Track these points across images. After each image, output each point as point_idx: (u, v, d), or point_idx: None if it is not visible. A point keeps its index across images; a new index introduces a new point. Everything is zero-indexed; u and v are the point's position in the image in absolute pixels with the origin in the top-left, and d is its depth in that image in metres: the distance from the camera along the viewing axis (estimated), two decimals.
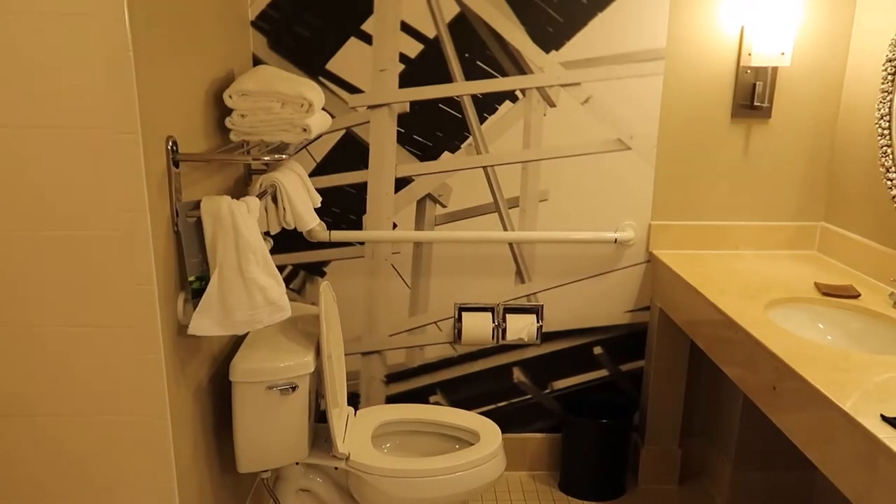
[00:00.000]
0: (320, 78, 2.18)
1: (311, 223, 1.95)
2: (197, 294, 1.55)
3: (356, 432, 2.06)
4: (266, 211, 1.88)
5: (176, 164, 1.49)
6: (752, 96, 2.22)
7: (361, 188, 2.28)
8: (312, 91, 1.80)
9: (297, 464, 1.98)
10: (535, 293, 2.40)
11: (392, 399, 2.49)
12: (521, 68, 2.20)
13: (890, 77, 1.91)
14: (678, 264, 2.20)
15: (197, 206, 1.53)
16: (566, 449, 2.45)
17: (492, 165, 2.28)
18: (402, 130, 2.24)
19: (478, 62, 2.19)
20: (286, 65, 2.16)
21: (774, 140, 2.27)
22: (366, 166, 2.26)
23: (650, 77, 2.20)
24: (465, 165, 2.27)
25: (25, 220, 1.36)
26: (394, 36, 2.16)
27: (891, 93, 1.91)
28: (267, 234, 1.91)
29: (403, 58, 2.18)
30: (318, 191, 2.16)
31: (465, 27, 2.16)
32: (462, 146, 2.26)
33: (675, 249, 2.34)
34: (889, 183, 1.92)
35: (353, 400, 2.48)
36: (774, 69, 2.20)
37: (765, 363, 1.59)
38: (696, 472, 2.56)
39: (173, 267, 1.52)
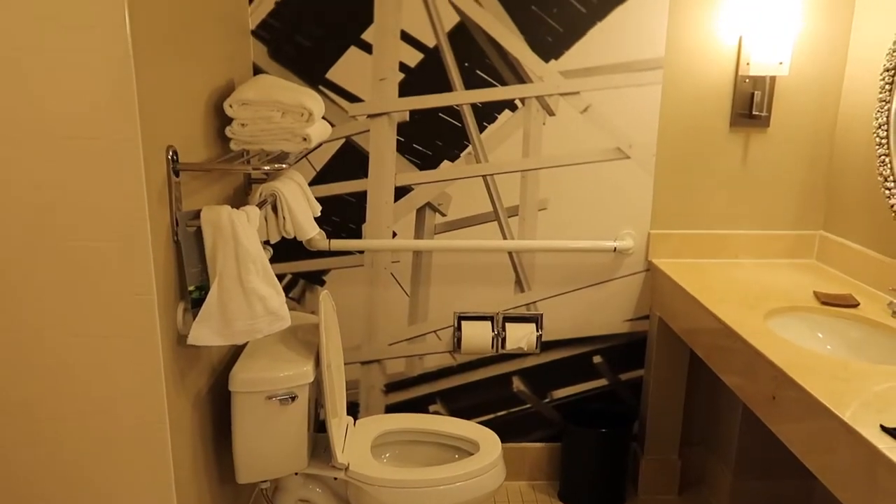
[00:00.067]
0: (320, 87, 2.19)
1: (311, 232, 1.95)
2: (196, 304, 1.55)
3: (356, 442, 2.06)
4: (266, 220, 1.88)
5: (176, 174, 1.50)
6: (750, 105, 2.23)
7: (361, 197, 2.28)
8: (312, 100, 1.80)
9: (296, 474, 1.97)
10: (535, 302, 2.40)
11: (391, 408, 2.48)
12: (520, 77, 2.21)
13: (888, 86, 1.92)
14: (677, 273, 2.20)
15: (197, 215, 1.53)
16: (566, 458, 2.44)
17: (491, 174, 2.28)
18: (402, 139, 2.24)
19: (477, 71, 2.20)
20: (286, 74, 2.17)
21: (773, 149, 2.28)
22: (365, 175, 2.27)
23: (649, 86, 2.21)
24: (464, 174, 2.28)
25: (26, 230, 1.36)
26: (394, 45, 2.17)
27: (889, 102, 1.92)
28: (267, 243, 1.91)
29: (403, 67, 2.19)
30: (318, 199, 2.16)
31: (464, 36, 2.16)
32: (462, 155, 2.26)
33: (674, 258, 2.35)
34: (887, 192, 1.92)
35: (353, 409, 2.47)
36: (773, 78, 2.21)
37: (764, 372, 1.59)
38: (696, 481, 2.56)
39: (173, 276, 1.52)
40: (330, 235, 2.30)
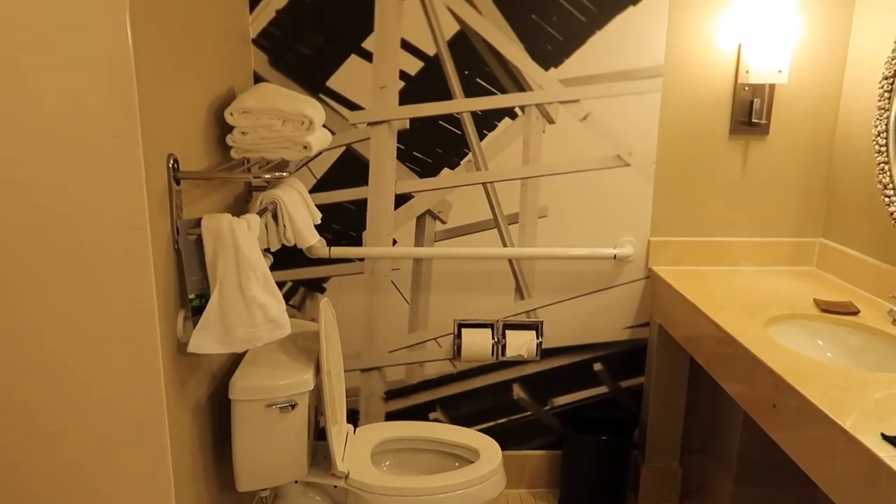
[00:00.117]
0: (321, 95, 2.19)
1: (312, 240, 1.95)
2: (197, 312, 1.55)
3: (355, 450, 2.06)
4: (266, 228, 1.89)
5: (177, 182, 1.50)
6: (749, 113, 2.23)
7: (361, 204, 2.29)
8: (313, 108, 1.81)
9: (296, 482, 1.97)
10: (535, 309, 2.40)
11: (392, 416, 2.48)
12: (520, 85, 2.21)
13: (886, 94, 1.93)
14: (677, 280, 2.20)
15: (197, 223, 1.54)
16: (566, 466, 2.44)
17: (491, 182, 2.29)
18: (402, 147, 2.25)
19: (477, 79, 2.20)
20: (287, 82, 2.18)
21: (772, 156, 2.28)
22: (366, 183, 2.27)
23: (648, 94, 2.22)
24: (464, 182, 2.28)
25: (26, 238, 1.37)
26: (394, 53, 2.17)
27: (888, 110, 1.93)
28: (267, 250, 1.91)
29: (403, 75, 2.19)
30: (319, 207, 2.17)
31: (464, 45, 2.17)
32: (462, 163, 2.27)
33: (674, 265, 2.35)
34: (887, 199, 1.92)
35: (353, 417, 2.47)
36: (772, 86, 2.21)
37: (764, 380, 1.59)
38: (697, 488, 2.55)
39: (173, 284, 1.52)
40: (330, 243, 2.30)
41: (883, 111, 1.94)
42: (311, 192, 2.25)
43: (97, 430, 1.47)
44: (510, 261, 2.36)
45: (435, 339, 2.41)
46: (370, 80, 2.19)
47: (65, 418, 1.46)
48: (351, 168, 2.26)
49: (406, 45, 2.17)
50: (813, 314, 1.91)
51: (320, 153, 2.23)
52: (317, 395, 2.01)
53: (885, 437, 1.24)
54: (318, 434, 2.09)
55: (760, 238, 2.35)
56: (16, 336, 1.41)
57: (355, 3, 2.13)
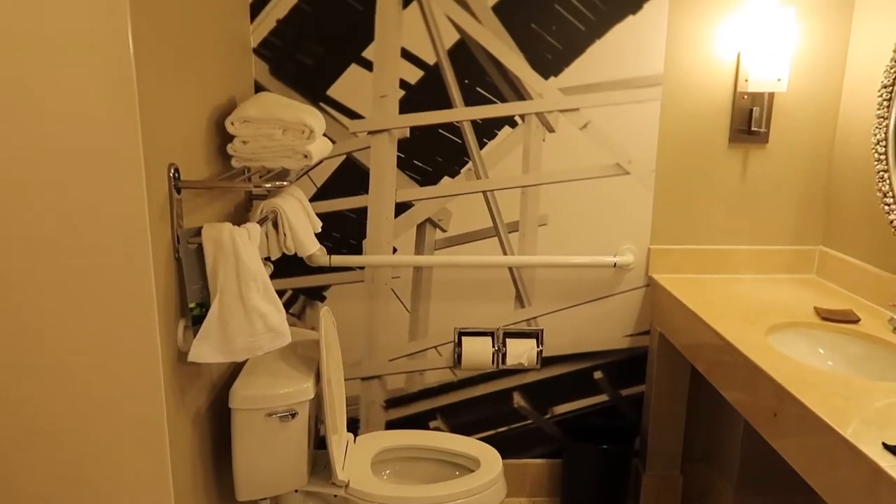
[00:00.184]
0: (321, 104, 2.20)
1: (312, 248, 1.96)
2: (197, 321, 1.55)
3: (356, 459, 2.05)
4: (267, 237, 1.89)
5: (178, 191, 1.50)
6: (749, 121, 2.24)
7: (362, 213, 2.29)
8: (313, 117, 1.81)
9: (296, 491, 1.96)
10: (535, 317, 2.40)
11: (392, 424, 2.48)
12: (520, 94, 2.22)
13: (885, 103, 1.93)
14: (677, 288, 2.20)
15: (198, 232, 1.54)
16: (567, 475, 2.43)
17: (491, 190, 2.29)
18: (403, 155, 2.25)
19: (477, 88, 2.21)
20: (288, 91, 2.18)
21: (772, 165, 2.29)
22: (366, 191, 2.28)
23: (648, 102, 2.22)
24: (464, 190, 2.29)
25: (27, 246, 1.37)
26: (394, 62, 2.18)
27: (887, 118, 1.93)
28: (267, 259, 1.92)
29: (404, 84, 2.20)
30: (319, 215, 2.17)
31: (464, 54, 2.18)
32: (462, 171, 2.27)
33: (674, 273, 2.35)
34: (887, 207, 1.93)
35: (353, 425, 2.47)
36: (771, 94, 2.22)
37: (765, 388, 1.59)
38: (698, 497, 2.54)
39: (173, 293, 1.52)
40: (330, 251, 2.31)
41: (882, 119, 1.94)
42: (311, 200, 2.26)
43: (97, 438, 1.46)
44: (510, 269, 2.36)
45: (435, 347, 2.41)
46: (370, 89, 2.20)
47: (65, 427, 1.46)
48: (351, 176, 2.26)
49: (406, 55, 2.18)
50: (813, 322, 1.91)
51: (321, 162, 2.23)
52: (317, 404, 2.01)
53: (886, 447, 1.24)
54: (319, 443, 2.08)
55: (760, 246, 2.35)
56: (17, 344, 1.41)
57: (356, 13, 2.14)
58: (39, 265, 1.38)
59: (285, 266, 2.30)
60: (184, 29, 1.58)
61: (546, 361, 2.44)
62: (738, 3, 2.16)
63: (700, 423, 2.50)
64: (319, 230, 2.08)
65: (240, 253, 1.53)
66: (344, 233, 2.30)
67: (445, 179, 2.28)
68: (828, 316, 1.92)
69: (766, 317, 1.93)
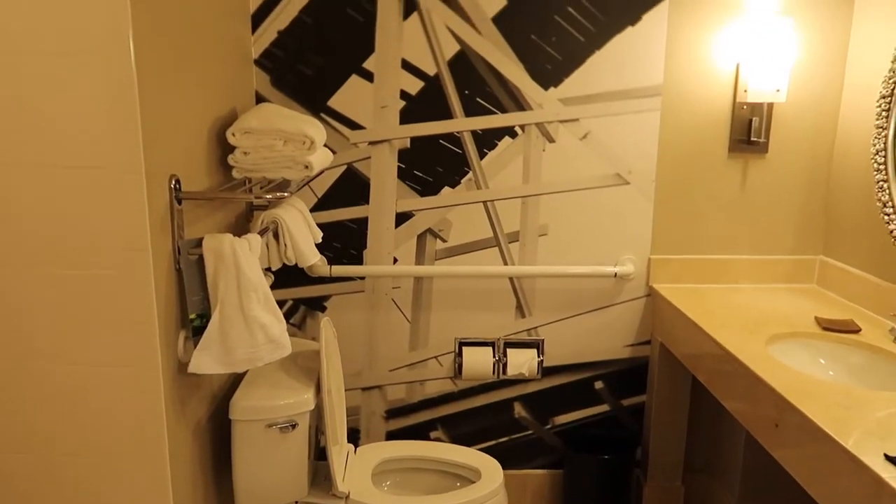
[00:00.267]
0: (322, 115, 2.21)
1: (313, 259, 1.96)
2: (198, 332, 1.55)
3: (356, 470, 2.05)
4: (267, 247, 1.89)
5: (178, 202, 1.51)
6: (748, 131, 2.24)
7: (362, 223, 2.29)
8: (314, 128, 1.82)
9: (296, 503, 1.95)
10: (536, 327, 2.39)
11: (392, 435, 2.47)
12: (520, 105, 2.23)
13: (884, 113, 1.94)
14: (678, 298, 2.20)
15: (199, 243, 1.54)
16: (568, 485, 2.42)
17: (492, 200, 2.29)
18: (403, 166, 2.26)
19: (477, 99, 2.22)
20: (289, 102, 2.19)
21: (772, 174, 2.29)
22: (367, 201, 2.28)
23: (647, 113, 2.23)
24: (465, 200, 2.29)
25: (28, 257, 1.37)
26: (395, 73, 2.19)
27: (886, 128, 1.94)
28: (268, 269, 1.92)
29: (404, 95, 2.21)
30: (320, 226, 2.17)
31: (464, 65, 2.19)
32: (462, 181, 2.28)
33: (674, 283, 2.35)
34: (886, 217, 1.93)
35: (353, 436, 2.46)
36: (770, 105, 2.23)
37: (766, 399, 1.58)
38: None
39: (174, 304, 1.52)
40: (331, 261, 2.31)
41: (881, 129, 1.95)
42: (312, 210, 2.26)
43: (97, 449, 1.46)
44: (511, 279, 2.36)
45: (436, 357, 2.41)
46: (371, 99, 2.20)
47: (65, 437, 1.46)
48: (352, 187, 2.27)
49: (407, 66, 2.19)
50: (814, 332, 1.91)
51: (321, 172, 2.24)
52: (317, 415, 2.00)
53: (888, 458, 1.23)
54: (319, 454, 2.08)
55: (761, 256, 2.35)
56: (18, 354, 1.41)
57: (356, 24, 2.15)
58: (40, 276, 1.38)
59: (286, 276, 2.30)
60: (185, 40, 1.59)
61: (547, 371, 2.44)
62: (737, 13, 2.17)
63: (701, 433, 2.50)
64: (320, 240, 2.08)
65: (240, 264, 1.53)
66: (344, 243, 2.31)
67: (446, 190, 2.28)
68: (829, 326, 1.92)
69: (767, 327, 1.93)
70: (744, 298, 2.21)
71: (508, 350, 2.39)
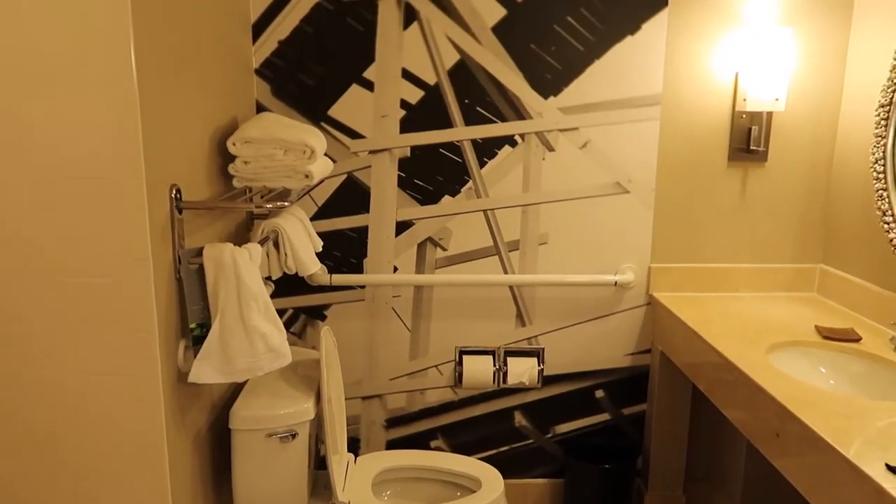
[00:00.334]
0: (322, 124, 2.21)
1: (313, 268, 1.96)
2: (198, 341, 1.55)
3: (356, 479, 2.04)
4: (268, 256, 1.89)
5: (179, 211, 1.51)
6: (748, 140, 2.25)
7: (362, 232, 2.30)
8: (314, 138, 1.82)
9: None
10: (536, 336, 2.39)
11: (392, 444, 2.46)
12: (520, 114, 2.23)
13: (883, 122, 1.94)
14: (678, 307, 2.20)
15: (199, 252, 1.54)
16: (568, 495, 2.42)
17: (492, 209, 2.30)
18: (403, 175, 2.26)
19: (477, 108, 2.23)
20: (289, 111, 2.20)
21: (771, 183, 2.30)
22: (367, 210, 2.28)
23: (647, 122, 2.24)
24: (465, 209, 2.29)
25: (29, 267, 1.37)
26: (395, 83, 2.20)
27: (884, 137, 1.94)
28: (268, 278, 1.92)
29: (404, 104, 2.21)
30: (320, 234, 2.18)
31: (465, 74, 2.20)
32: (462, 190, 2.28)
33: (674, 292, 2.35)
34: (886, 226, 1.93)
35: (354, 445, 2.45)
36: (769, 114, 2.23)
37: (766, 408, 1.58)
38: None
39: (174, 314, 1.52)
40: (331, 270, 2.31)
41: (880, 138, 1.95)
42: (312, 219, 2.27)
43: (97, 458, 1.46)
44: (511, 288, 2.36)
45: (436, 366, 2.41)
46: (371, 108, 2.21)
47: (65, 446, 1.45)
48: (352, 196, 2.27)
49: (407, 75, 2.20)
50: (815, 341, 1.91)
51: (322, 181, 2.24)
52: (317, 424, 2.00)
53: (889, 468, 1.23)
54: (319, 463, 2.07)
55: (761, 264, 2.35)
56: (18, 363, 1.41)
57: (357, 34, 2.16)
58: (40, 284, 1.38)
59: (286, 285, 2.30)
60: (186, 50, 1.60)
61: (547, 380, 2.43)
62: (736, 23, 2.18)
63: (702, 442, 2.49)
64: (320, 249, 2.08)
65: (241, 273, 1.53)
66: (345, 252, 2.31)
67: (446, 198, 2.28)
68: (829, 335, 1.92)
69: (767, 335, 1.93)
70: (744, 307, 2.21)
71: (509, 359, 2.39)
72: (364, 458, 2.16)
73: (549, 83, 2.21)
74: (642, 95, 2.22)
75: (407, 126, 2.23)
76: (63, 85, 1.30)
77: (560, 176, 2.27)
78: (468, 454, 2.44)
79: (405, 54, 2.18)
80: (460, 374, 2.38)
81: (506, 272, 2.34)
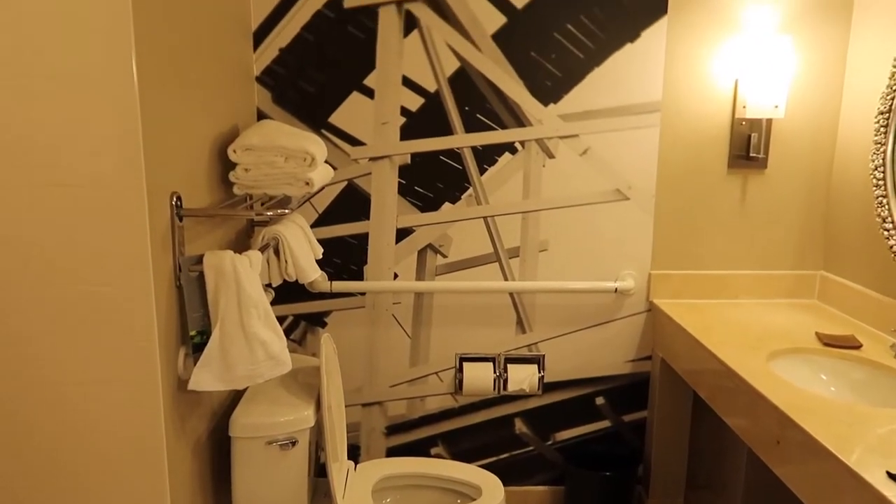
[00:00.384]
0: (323, 131, 2.22)
1: (313, 275, 1.96)
2: (198, 348, 1.55)
3: (356, 487, 2.04)
4: (268, 263, 1.89)
5: (180, 219, 1.51)
6: (747, 147, 2.25)
7: (363, 239, 2.30)
8: (315, 145, 1.83)
9: None
10: (537, 343, 2.39)
11: (393, 451, 2.46)
12: (520, 121, 2.24)
13: (882, 129, 1.95)
14: (678, 314, 2.20)
15: (199, 260, 1.54)
16: (569, 502, 2.41)
17: (492, 216, 2.30)
18: (403, 182, 2.27)
19: (477, 115, 2.23)
20: (290, 119, 2.20)
21: (771, 190, 2.30)
22: (367, 217, 2.29)
23: (647, 129, 2.24)
24: (465, 216, 2.30)
25: (29, 275, 1.37)
26: (395, 90, 2.20)
27: (884, 144, 1.94)
28: (269, 285, 1.92)
29: (405, 111, 2.22)
30: (320, 241, 2.18)
31: (465, 81, 2.20)
32: (462, 197, 2.28)
33: (675, 299, 2.35)
34: (886, 233, 1.93)
35: (354, 452, 2.45)
36: (769, 121, 2.24)
37: (767, 415, 1.58)
38: None
39: (174, 321, 1.52)
40: (331, 277, 2.31)
41: (879, 145, 1.96)
42: (312, 226, 2.27)
43: (97, 465, 1.46)
44: (511, 294, 2.36)
45: (436, 373, 2.40)
46: (372, 116, 2.22)
47: (64, 454, 1.45)
48: (352, 203, 2.27)
49: (407, 82, 2.20)
50: (815, 348, 1.90)
51: (322, 188, 2.24)
52: (317, 431, 2.00)
53: (891, 475, 1.23)
54: (319, 470, 2.07)
55: (761, 271, 2.35)
56: (18, 370, 1.41)
57: (357, 42, 2.17)
58: (41, 292, 1.38)
59: (286, 292, 2.30)
60: (187, 58, 1.60)
61: (548, 387, 2.43)
62: (736, 31, 2.19)
63: (703, 449, 2.48)
64: (321, 256, 2.08)
65: (241, 281, 1.53)
66: (345, 259, 2.31)
67: (446, 205, 2.29)
68: (830, 342, 1.92)
69: (768, 342, 1.93)
70: (744, 314, 2.21)
71: (509, 366, 2.39)
72: (364, 465, 2.16)
73: (549, 90, 2.22)
74: (642, 102, 2.22)
75: (407, 133, 2.23)
76: (64, 92, 1.31)
77: (560, 183, 2.28)
78: (468, 461, 2.44)
79: (405, 62, 2.19)
80: (460, 381, 2.38)
81: (506, 279, 2.34)
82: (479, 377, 2.35)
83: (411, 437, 2.45)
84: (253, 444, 1.78)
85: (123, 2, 1.28)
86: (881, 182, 1.95)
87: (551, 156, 2.26)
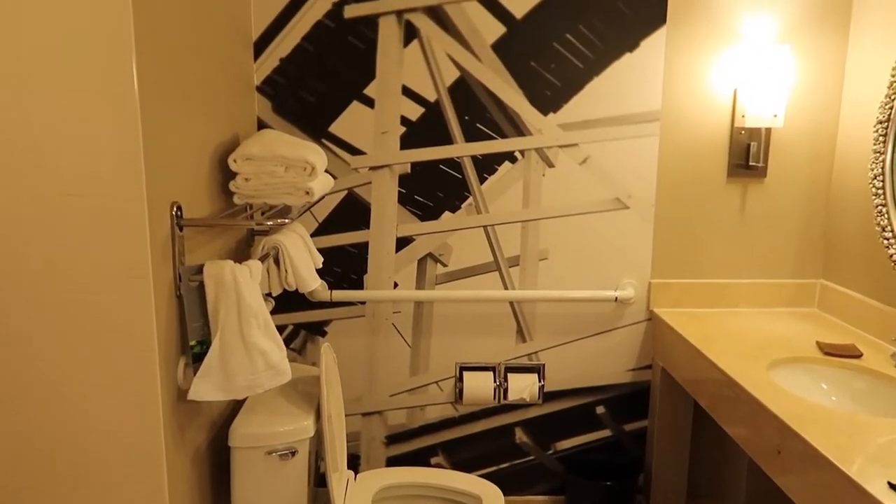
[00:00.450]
0: (323, 140, 2.22)
1: (313, 284, 1.96)
2: (198, 358, 1.54)
3: (356, 497, 2.03)
4: (268, 272, 1.89)
5: (180, 229, 1.51)
6: (747, 156, 2.26)
7: (363, 248, 2.30)
8: (315, 154, 1.83)
9: None
10: (537, 352, 2.39)
11: (393, 460, 2.45)
12: (519, 130, 2.24)
13: (881, 138, 1.95)
14: (679, 322, 2.20)
15: (199, 270, 1.54)
16: None
17: (492, 225, 2.30)
18: (404, 191, 2.27)
19: (477, 124, 2.24)
20: (290, 128, 2.21)
21: (770, 199, 2.30)
22: (367, 226, 2.29)
23: (646, 138, 2.25)
24: (465, 225, 2.30)
25: (30, 284, 1.37)
26: (395, 99, 2.21)
27: (883, 153, 1.95)
28: (269, 295, 1.92)
29: (405, 120, 2.23)
30: (320, 250, 2.18)
31: (464, 91, 2.21)
32: (462, 206, 2.29)
33: (675, 307, 2.35)
34: (886, 242, 1.93)
35: (354, 461, 2.44)
36: (768, 130, 2.24)
37: (768, 425, 1.57)
38: None
39: (174, 331, 1.52)
40: (331, 286, 2.31)
41: (878, 155, 1.96)
42: (312, 235, 2.27)
43: (96, 475, 1.45)
44: (511, 303, 2.36)
45: (436, 382, 2.40)
46: (372, 125, 2.22)
47: (64, 463, 1.45)
48: (352, 212, 2.27)
49: (407, 92, 2.21)
50: (816, 357, 1.90)
51: (322, 198, 2.25)
52: (317, 441, 1.99)
53: (892, 486, 1.22)
54: (319, 480, 2.06)
55: (761, 280, 2.35)
56: (19, 379, 1.41)
57: (357, 51, 2.18)
58: (41, 301, 1.38)
59: (286, 301, 2.30)
60: (188, 67, 1.61)
61: (548, 396, 2.43)
62: (734, 40, 2.19)
63: (704, 458, 2.48)
64: (320, 266, 2.08)
65: (241, 290, 1.53)
66: (345, 268, 2.31)
67: (446, 214, 2.29)
68: (830, 351, 1.92)
69: (768, 351, 1.93)
70: (744, 323, 2.21)
71: (509, 375, 2.38)
72: (364, 475, 2.15)
73: (548, 100, 2.22)
74: (641, 112, 2.23)
75: (407, 142, 2.24)
76: (64, 101, 1.31)
77: (560, 192, 2.28)
78: (468, 471, 2.43)
79: (405, 71, 2.19)
80: (461, 391, 2.38)
81: (506, 288, 2.34)
82: (480, 386, 2.35)
83: (411, 446, 2.44)
84: (253, 454, 1.78)
85: (124, 12, 1.29)
86: (880, 191, 1.96)
87: (551, 165, 2.26)
